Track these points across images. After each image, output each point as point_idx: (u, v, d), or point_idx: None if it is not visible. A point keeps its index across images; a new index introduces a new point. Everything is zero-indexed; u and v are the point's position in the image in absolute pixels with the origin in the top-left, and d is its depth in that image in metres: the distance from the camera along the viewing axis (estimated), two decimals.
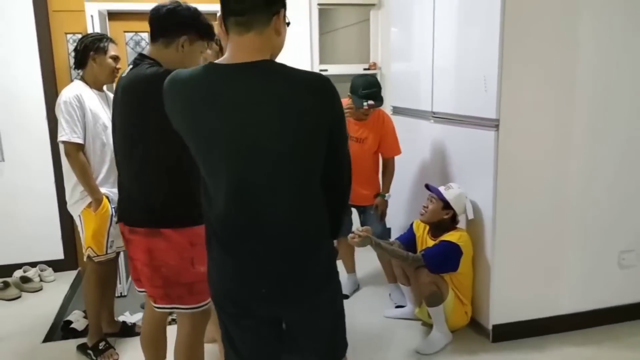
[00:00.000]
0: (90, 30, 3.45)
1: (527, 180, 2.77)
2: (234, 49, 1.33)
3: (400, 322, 3.14)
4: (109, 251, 2.76)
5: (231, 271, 1.42)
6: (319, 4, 4.29)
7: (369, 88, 3.08)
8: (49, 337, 3.04)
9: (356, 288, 3.48)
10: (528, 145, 2.74)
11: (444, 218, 2.87)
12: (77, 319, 3.21)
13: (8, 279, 3.60)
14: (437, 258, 2.82)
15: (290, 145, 1.31)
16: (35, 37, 3.71)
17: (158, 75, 1.78)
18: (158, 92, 1.42)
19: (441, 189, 2.89)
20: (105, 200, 2.71)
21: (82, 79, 2.78)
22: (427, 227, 3.00)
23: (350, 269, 3.52)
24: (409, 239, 3.07)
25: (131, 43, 3.98)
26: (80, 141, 2.62)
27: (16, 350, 2.87)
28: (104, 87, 2.89)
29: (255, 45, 1.31)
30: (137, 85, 1.86)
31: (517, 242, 2.81)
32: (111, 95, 2.90)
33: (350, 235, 2.80)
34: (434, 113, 3.26)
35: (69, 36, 3.85)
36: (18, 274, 3.71)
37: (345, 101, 3.12)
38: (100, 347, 2.76)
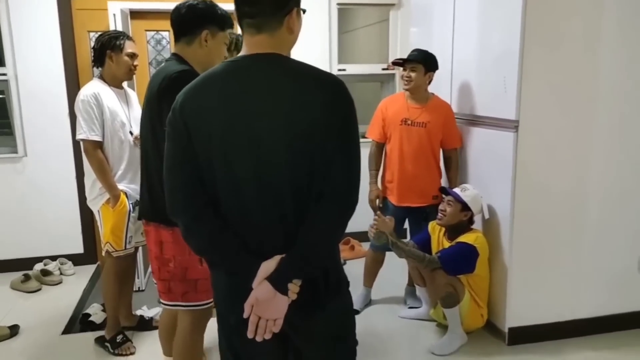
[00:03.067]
0: (112, 29, 3.50)
1: (545, 182, 2.75)
2: (248, 48, 1.35)
3: (415, 323, 3.13)
4: (127, 246, 2.79)
5: (238, 284, 1.37)
6: (338, 4, 4.29)
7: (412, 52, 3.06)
8: (68, 330, 3.10)
9: (368, 303, 3.36)
10: (547, 146, 2.72)
11: (462, 220, 2.86)
12: (95, 312, 3.26)
13: (29, 272, 3.67)
14: (453, 259, 2.81)
15: (288, 140, 1.28)
16: (59, 35, 3.78)
17: (177, 72, 1.85)
18: (175, 88, 1.45)
19: (457, 190, 2.87)
20: (123, 196, 2.73)
21: (101, 77, 2.80)
22: (443, 229, 2.99)
23: (369, 283, 3.37)
24: (424, 240, 3.05)
25: (152, 41, 4.02)
26: (98, 139, 2.66)
27: (35, 342, 2.92)
28: (125, 84, 2.92)
29: (268, 44, 1.33)
30: (159, 81, 1.91)
31: (534, 245, 2.79)
32: (131, 92, 2.97)
33: (370, 225, 2.77)
34: (454, 114, 3.25)
35: (91, 34, 3.91)
36: (39, 267, 3.79)
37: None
38: (118, 340, 2.80)
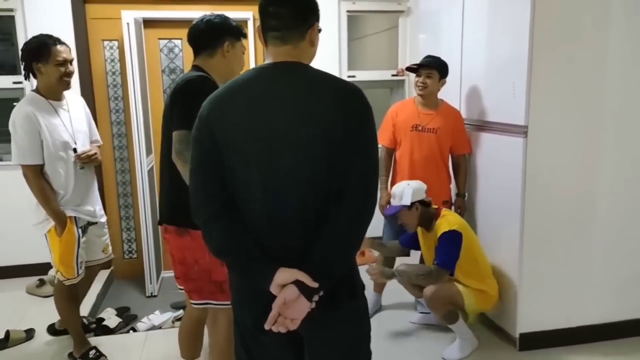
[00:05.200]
0: (126, 38, 3.56)
1: (555, 187, 2.75)
2: (273, 57, 1.43)
3: (426, 328, 3.14)
4: (79, 272, 2.67)
5: (253, 287, 1.42)
6: (348, 11, 4.33)
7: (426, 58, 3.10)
8: None
9: (378, 308, 3.37)
10: (557, 152, 2.72)
11: (420, 214, 2.82)
12: (109, 316, 3.31)
13: (44, 277, 3.72)
14: (450, 256, 2.73)
15: (310, 146, 1.34)
16: (74, 45, 3.84)
17: (190, 77, 1.96)
18: (186, 92, 1.62)
19: (393, 204, 2.84)
20: (70, 224, 2.58)
21: (37, 90, 2.56)
22: (421, 230, 2.95)
23: (379, 289, 3.38)
24: (411, 239, 3.06)
25: (165, 50, 4.08)
26: (38, 162, 2.46)
27: (50, 346, 2.97)
28: (66, 93, 2.66)
29: (291, 54, 1.41)
30: (173, 87, 2.01)
31: (545, 250, 2.78)
32: (76, 101, 2.76)
33: (369, 270, 2.74)
34: (463, 120, 3.26)
35: (105, 43, 3.98)
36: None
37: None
38: (90, 356, 2.75)
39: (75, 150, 2.60)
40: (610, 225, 2.84)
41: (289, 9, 1.40)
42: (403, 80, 4.52)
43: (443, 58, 3.06)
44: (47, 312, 3.39)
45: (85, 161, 2.64)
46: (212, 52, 2.07)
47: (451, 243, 2.74)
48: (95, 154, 2.70)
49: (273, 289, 1.34)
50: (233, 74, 1.47)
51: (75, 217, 2.62)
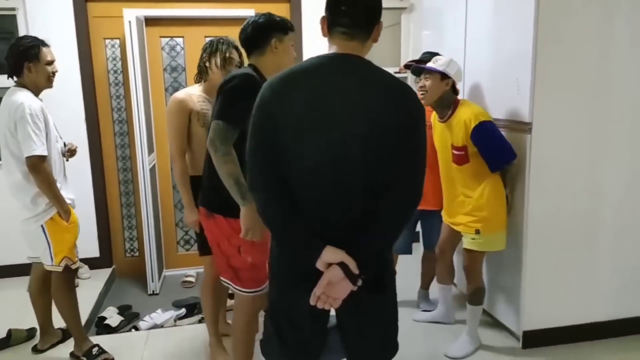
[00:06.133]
0: (128, 36, 3.56)
1: (560, 184, 2.73)
2: (339, 48, 1.49)
3: (429, 326, 3.13)
4: (78, 255, 2.78)
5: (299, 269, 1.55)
6: None
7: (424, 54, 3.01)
8: None
9: None
10: (562, 148, 2.71)
11: (445, 90, 2.70)
12: (111, 315, 3.31)
13: None
14: (501, 146, 2.61)
15: (365, 136, 1.42)
16: (76, 43, 3.85)
17: (237, 74, 2.07)
18: (230, 88, 1.93)
19: (433, 65, 2.70)
20: (71, 209, 2.70)
21: (24, 86, 2.62)
22: (434, 115, 2.84)
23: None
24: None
25: (167, 48, 4.08)
26: (46, 153, 2.55)
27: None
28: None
29: (357, 49, 1.49)
30: (221, 82, 2.12)
31: (549, 247, 2.77)
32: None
33: None
34: None
35: (107, 41, 3.98)
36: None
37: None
38: (94, 353, 2.77)
39: (65, 143, 2.80)
40: (616, 222, 2.83)
41: (361, 10, 1.47)
42: (405, 78, 4.50)
43: (446, 55, 3.02)
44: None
45: (72, 154, 2.88)
46: (262, 51, 2.17)
47: (491, 135, 2.61)
48: (77, 148, 2.94)
49: (320, 265, 1.44)
50: (285, 68, 1.55)
51: (70, 203, 2.73)
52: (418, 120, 1.48)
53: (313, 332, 1.62)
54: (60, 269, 2.68)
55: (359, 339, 1.63)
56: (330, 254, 1.43)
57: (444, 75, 2.67)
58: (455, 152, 2.68)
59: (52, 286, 2.75)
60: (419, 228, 3.34)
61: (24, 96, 2.56)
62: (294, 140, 1.44)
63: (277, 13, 2.22)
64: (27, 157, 2.49)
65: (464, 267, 2.83)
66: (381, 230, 1.46)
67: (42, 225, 2.62)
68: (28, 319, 3.06)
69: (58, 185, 2.62)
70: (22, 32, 3.74)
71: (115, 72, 4.04)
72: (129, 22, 3.57)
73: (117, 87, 4.06)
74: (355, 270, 1.42)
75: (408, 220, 1.51)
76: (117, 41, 3.98)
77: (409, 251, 3.23)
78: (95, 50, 3.96)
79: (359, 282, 1.44)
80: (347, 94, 1.42)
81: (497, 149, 2.62)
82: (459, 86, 2.84)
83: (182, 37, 4.06)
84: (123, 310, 3.46)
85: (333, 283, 1.43)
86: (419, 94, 2.78)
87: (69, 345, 2.90)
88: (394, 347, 1.72)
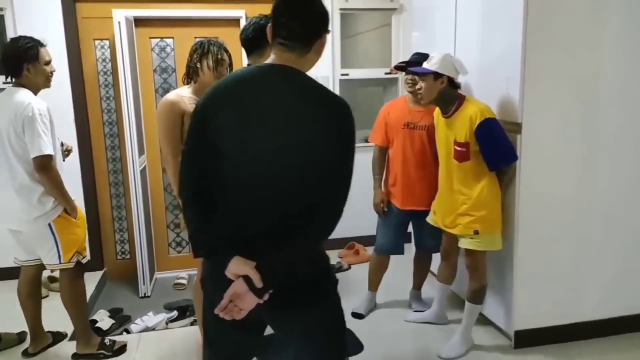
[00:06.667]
0: (117, 37, 3.53)
1: (550, 184, 2.74)
2: (273, 59, 1.48)
3: (421, 327, 3.13)
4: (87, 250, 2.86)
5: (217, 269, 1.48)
6: (340, 9, 4.32)
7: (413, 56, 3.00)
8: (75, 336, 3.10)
9: (373, 307, 3.35)
10: (552, 148, 2.72)
11: (441, 88, 2.67)
12: (102, 318, 3.28)
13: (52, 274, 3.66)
14: (503, 145, 2.59)
15: (293, 148, 1.39)
16: (64, 44, 3.81)
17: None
18: None
19: (424, 65, 2.69)
20: (77, 205, 2.74)
21: (23, 87, 2.62)
22: (437, 110, 2.83)
23: (374, 287, 3.36)
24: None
25: (157, 49, 4.05)
26: (53, 152, 2.58)
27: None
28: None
29: (292, 61, 1.47)
30: None
31: (539, 248, 2.78)
32: None
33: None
34: None
35: (96, 42, 3.95)
36: (46, 273, 3.78)
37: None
38: (107, 343, 2.84)
39: (62, 143, 2.82)
40: (605, 222, 2.84)
41: (300, 22, 1.45)
42: (396, 79, 4.51)
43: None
44: (43, 313, 3.36)
45: (68, 154, 2.94)
46: (261, 52, 2.24)
47: (495, 132, 2.59)
48: (72, 147, 3.03)
49: (228, 274, 1.41)
50: None
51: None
52: (347, 138, 1.43)
53: (246, 343, 1.62)
54: (71, 265, 2.71)
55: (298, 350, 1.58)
56: (235, 265, 1.40)
57: (437, 74, 2.66)
58: (458, 148, 2.68)
59: (61, 284, 2.79)
60: (410, 229, 3.33)
61: (29, 96, 2.57)
62: (222, 147, 1.44)
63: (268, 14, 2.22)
64: (37, 157, 2.49)
65: (467, 266, 2.82)
66: (294, 250, 1.40)
67: (49, 224, 2.63)
68: (17, 323, 3.03)
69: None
70: (10, 33, 3.70)
71: (105, 73, 4.01)
72: (119, 22, 3.55)
73: (107, 89, 4.03)
74: (259, 284, 1.36)
75: (325, 238, 1.45)
76: (107, 42, 3.96)
77: (400, 252, 3.24)
78: (85, 51, 3.93)
79: (266, 296, 1.39)
80: (275, 106, 1.41)
81: (498, 148, 2.62)
82: (461, 80, 2.82)
83: (172, 37, 4.04)
84: (114, 313, 3.44)
85: (238, 294, 1.38)
86: (418, 95, 2.82)
87: (59, 348, 2.88)
88: (340, 347, 1.64)
